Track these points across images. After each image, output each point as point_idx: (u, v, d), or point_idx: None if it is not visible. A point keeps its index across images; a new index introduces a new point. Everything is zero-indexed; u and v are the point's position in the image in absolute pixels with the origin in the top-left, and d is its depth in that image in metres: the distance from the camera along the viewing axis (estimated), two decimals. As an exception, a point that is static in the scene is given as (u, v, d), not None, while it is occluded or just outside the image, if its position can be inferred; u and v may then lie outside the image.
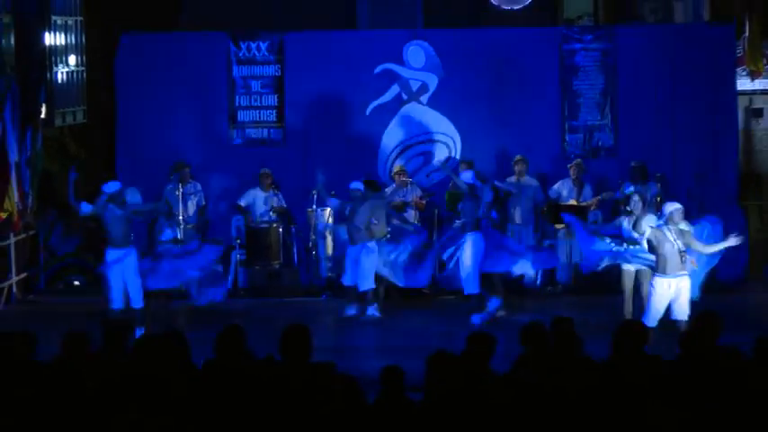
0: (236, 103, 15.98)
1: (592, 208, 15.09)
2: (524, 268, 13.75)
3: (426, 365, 6.65)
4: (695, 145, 15.61)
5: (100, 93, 16.14)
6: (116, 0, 16.02)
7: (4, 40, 14.27)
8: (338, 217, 14.56)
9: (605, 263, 12.62)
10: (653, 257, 11.58)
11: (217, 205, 15.79)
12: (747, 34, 16.08)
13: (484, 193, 13.67)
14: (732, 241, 11.71)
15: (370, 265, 13.53)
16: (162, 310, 12.82)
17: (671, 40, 15.86)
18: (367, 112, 15.92)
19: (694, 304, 11.33)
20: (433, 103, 15.97)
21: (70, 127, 15.88)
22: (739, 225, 14.87)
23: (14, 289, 15.00)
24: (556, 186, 15.39)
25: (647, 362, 7.04)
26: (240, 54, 15.91)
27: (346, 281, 13.81)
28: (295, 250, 15.37)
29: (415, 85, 15.97)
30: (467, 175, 13.64)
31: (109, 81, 15.93)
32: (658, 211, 12.13)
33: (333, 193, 14.28)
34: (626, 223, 12.36)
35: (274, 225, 15.12)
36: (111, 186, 12.63)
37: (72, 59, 15.24)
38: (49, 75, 14.76)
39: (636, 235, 12.10)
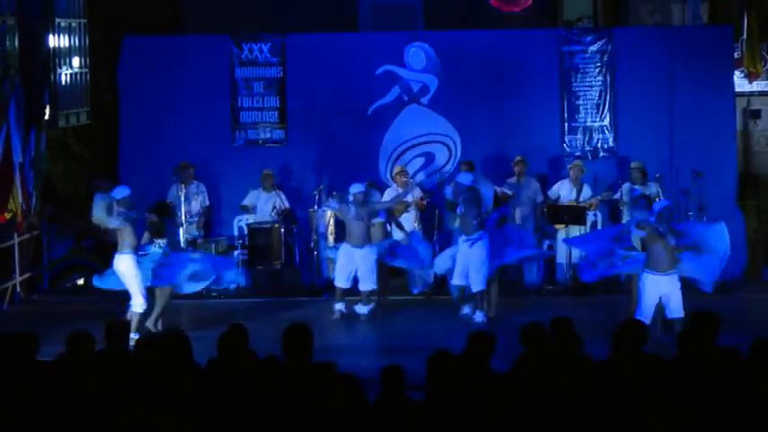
0: (239, 105, 16.04)
1: (591, 208, 15.14)
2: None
3: (427, 365, 6.68)
4: (694, 146, 15.64)
5: (103, 94, 16.20)
6: (119, 2, 16.06)
7: (8, 42, 14.28)
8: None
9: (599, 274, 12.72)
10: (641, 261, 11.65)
11: (219, 206, 15.86)
12: (745, 36, 16.14)
13: (483, 191, 13.71)
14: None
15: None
16: (164, 310, 12.87)
17: (669, 42, 15.89)
18: (368, 114, 15.98)
19: (694, 304, 11.35)
20: (434, 105, 16.02)
21: (74, 128, 15.92)
22: (737, 225, 14.98)
23: (18, 289, 15.03)
24: (555, 187, 15.43)
25: (646, 362, 7.07)
26: (242, 56, 15.97)
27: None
28: (297, 250, 15.44)
29: (415, 87, 16.02)
30: (465, 177, 13.65)
31: (112, 83, 15.98)
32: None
33: (334, 194, 14.32)
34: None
35: (276, 225, 15.18)
36: (121, 192, 12.65)
37: (75, 61, 15.27)
38: (52, 76, 14.77)
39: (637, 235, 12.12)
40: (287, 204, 15.41)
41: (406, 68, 15.99)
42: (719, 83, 15.73)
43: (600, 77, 15.86)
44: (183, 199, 14.89)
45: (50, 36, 14.79)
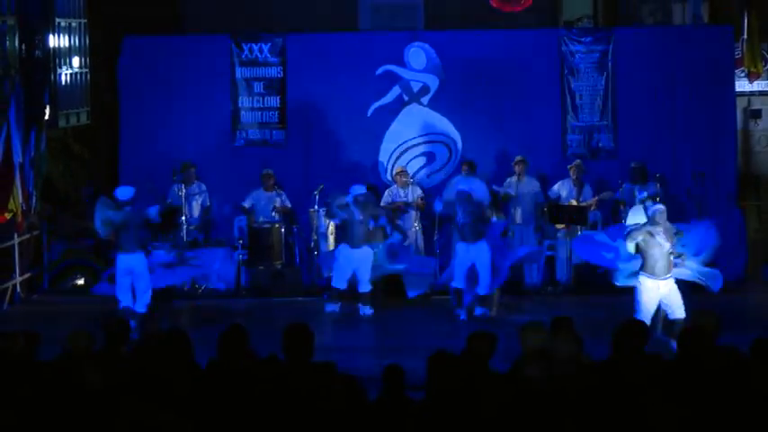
0: (239, 105, 16.04)
1: (591, 208, 15.14)
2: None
3: (427, 365, 6.69)
4: (694, 146, 15.65)
5: (103, 94, 16.21)
6: (119, 2, 16.08)
7: (8, 42, 14.31)
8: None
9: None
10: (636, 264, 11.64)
11: (220, 206, 15.85)
12: (746, 36, 16.15)
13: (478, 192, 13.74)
14: None
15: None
16: (165, 309, 12.89)
17: (670, 42, 15.90)
18: (368, 114, 15.98)
19: (695, 304, 11.36)
20: (434, 105, 16.03)
21: (74, 128, 15.93)
22: (738, 225, 14.99)
23: (18, 289, 15.04)
24: (556, 187, 15.44)
25: (646, 361, 7.07)
26: (242, 56, 15.97)
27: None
28: (297, 250, 15.44)
29: (416, 87, 16.02)
30: (449, 190, 13.70)
31: (112, 82, 15.99)
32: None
33: (339, 205, 14.27)
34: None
35: (276, 225, 15.18)
36: (125, 193, 12.67)
37: (76, 61, 15.28)
38: (52, 76, 14.79)
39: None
40: (288, 204, 15.41)
41: (406, 68, 15.99)
42: (720, 83, 15.73)
43: (600, 77, 15.86)
44: (183, 199, 14.89)
45: (50, 36, 14.81)
